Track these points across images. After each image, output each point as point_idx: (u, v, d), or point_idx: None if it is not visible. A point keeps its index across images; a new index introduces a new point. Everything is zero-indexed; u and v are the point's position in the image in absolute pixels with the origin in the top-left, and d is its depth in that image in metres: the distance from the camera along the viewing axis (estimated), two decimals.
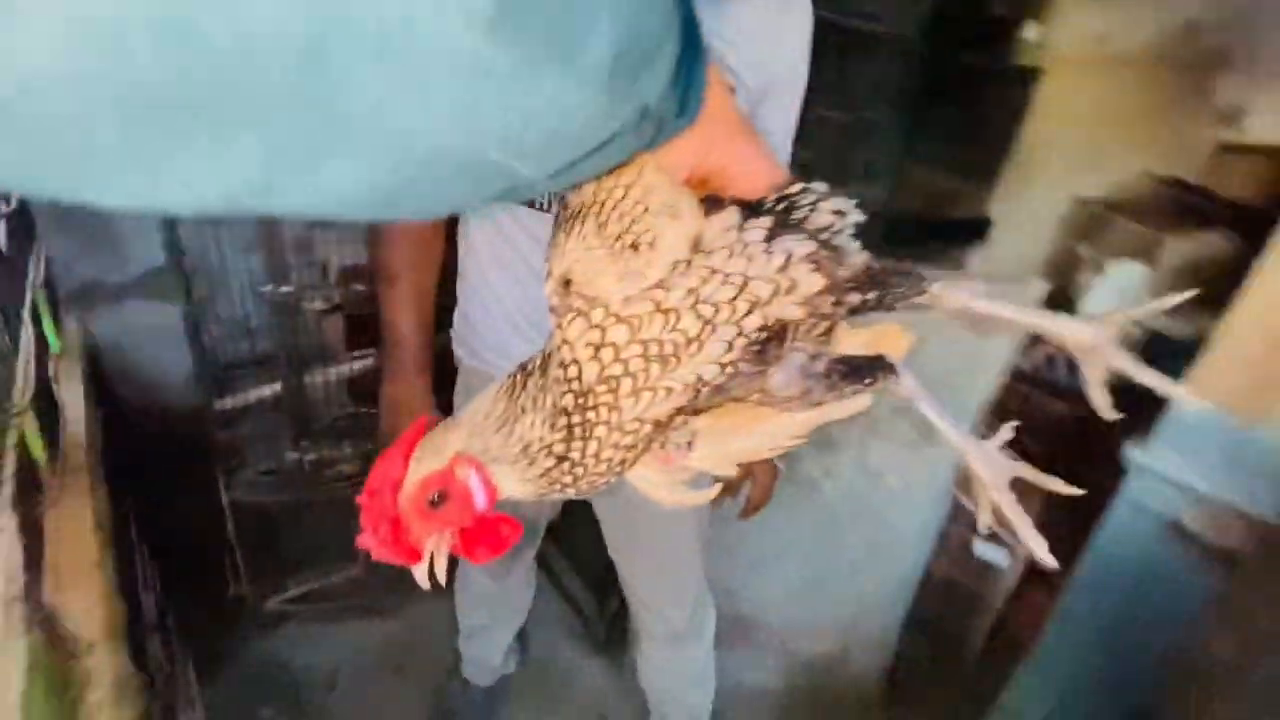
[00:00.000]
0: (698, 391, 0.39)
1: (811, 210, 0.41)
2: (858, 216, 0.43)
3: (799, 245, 0.38)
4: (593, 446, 0.38)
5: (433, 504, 0.39)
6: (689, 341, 0.37)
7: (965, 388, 1.27)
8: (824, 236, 0.40)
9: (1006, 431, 0.43)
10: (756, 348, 0.38)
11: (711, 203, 0.40)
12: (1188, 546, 1.05)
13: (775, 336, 0.38)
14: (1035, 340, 1.60)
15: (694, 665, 1.26)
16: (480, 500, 0.40)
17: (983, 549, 1.40)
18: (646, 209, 0.38)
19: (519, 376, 0.40)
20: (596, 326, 0.37)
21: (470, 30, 0.20)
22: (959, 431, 0.43)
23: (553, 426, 0.38)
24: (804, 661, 1.50)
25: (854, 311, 0.40)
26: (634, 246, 0.37)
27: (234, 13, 0.17)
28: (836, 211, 0.42)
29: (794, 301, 0.38)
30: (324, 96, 0.20)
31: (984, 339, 1.27)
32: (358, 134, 0.21)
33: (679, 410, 0.39)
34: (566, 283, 0.39)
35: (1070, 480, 0.41)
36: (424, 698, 1.44)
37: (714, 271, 0.37)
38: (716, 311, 0.37)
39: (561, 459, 0.38)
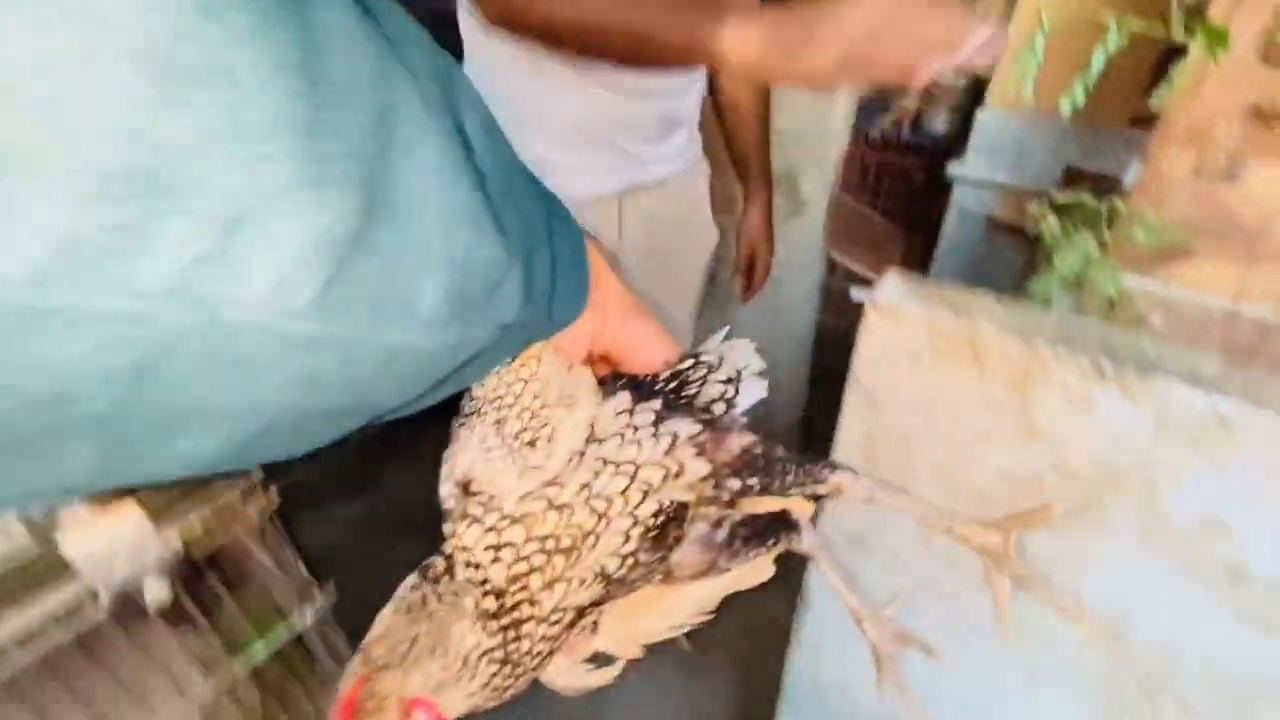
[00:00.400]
0: (608, 582, 0.38)
1: (702, 384, 0.43)
2: (759, 365, 0.44)
3: (684, 426, 0.39)
4: (525, 644, 0.37)
5: None
6: (586, 535, 0.37)
7: (819, 148, 1.43)
8: (717, 408, 0.42)
9: (901, 601, 0.46)
10: (655, 533, 0.38)
11: (610, 382, 0.41)
12: (1002, 232, 1.29)
13: (674, 518, 0.39)
14: (882, 109, 1.78)
15: None
16: None
17: (856, 293, 1.62)
18: (544, 404, 0.38)
19: (424, 587, 0.38)
20: (491, 529, 0.37)
21: (292, 319, 0.20)
22: (855, 595, 0.46)
23: (485, 630, 0.37)
24: None
25: (740, 495, 0.40)
26: (532, 443, 0.38)
27: (52, 372, 0.18)
28: (727, 380, 0.43)
29: (683, 486, 0.39)
30: (156, 403, 0.20)
31: (827, 105, 1.42)
32: (196, 420, 0.21)
33: (597, 601, 0.39)
34: (466, 485, 0.39)
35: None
36: (428, 551, 1.61)
37: (606, 462, 0.38)
38: (610, 504, 0.37)
39: (503, 663, 0.37)
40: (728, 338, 0.49)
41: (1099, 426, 0.47)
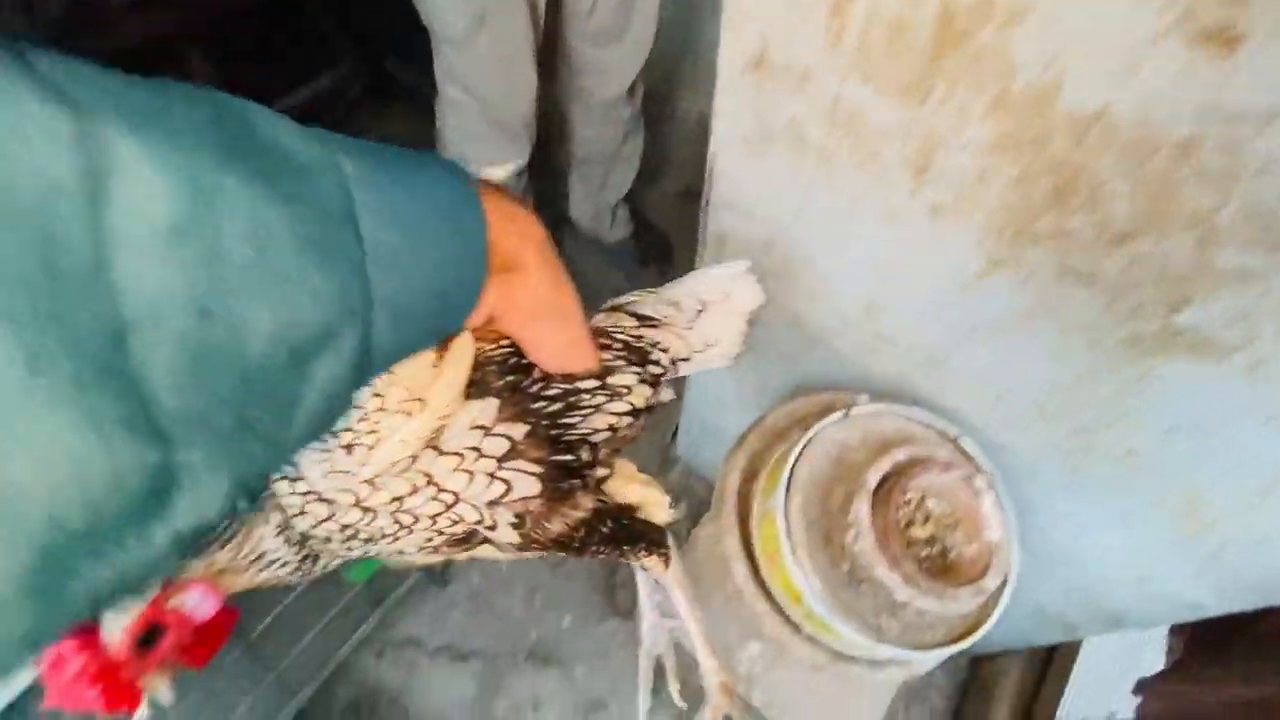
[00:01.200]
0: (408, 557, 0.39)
1: (593, 411, 0.38)
2: (742, 324, 0.43)
3: (524, 484, 0.36)
4: (320, 564, 0.39)
5: (144, 644, 0.34)
6: (384, 535, 0.36)
7: None
8: (598, 438, 0.39)
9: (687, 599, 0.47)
10: (461, 536, 0.37)
11: (499, 369, 0.36)
12: None
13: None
14: None
15: (624, 125, 1.26)
16: (206, 611, 0.36)
17: None
18: (381, 406, 0.33)
19: None
20: (296, 495, 0.35)
21: None
22: (650, 598, 0.47)
23: (286, 544, 0.37)
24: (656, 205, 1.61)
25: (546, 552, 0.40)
26: (349, 448, 0.34)
27: None
28: (627, 412, 0.39)
29: (491, 539, 0.37)
30: None
31: None
32: None
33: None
34: None
35: None
36: None
37: (430, 482, 0.35)
38: (416, 520, 0.35)
39: (295, 570, 0.38)
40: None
41: None
